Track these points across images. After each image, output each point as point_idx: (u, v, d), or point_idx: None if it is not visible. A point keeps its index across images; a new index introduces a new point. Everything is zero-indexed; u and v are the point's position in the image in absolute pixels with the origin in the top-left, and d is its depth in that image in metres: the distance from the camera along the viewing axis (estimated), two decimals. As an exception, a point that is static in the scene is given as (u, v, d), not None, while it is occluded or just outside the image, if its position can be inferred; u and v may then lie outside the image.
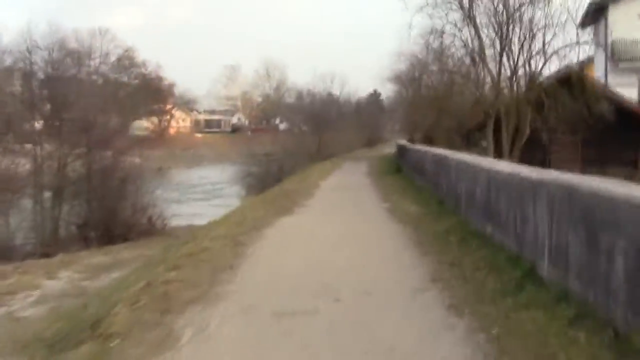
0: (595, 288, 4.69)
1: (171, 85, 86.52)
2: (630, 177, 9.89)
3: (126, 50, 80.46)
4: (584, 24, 25.17)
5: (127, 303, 5.92)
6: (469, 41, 21.70)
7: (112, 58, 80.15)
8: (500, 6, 20.90)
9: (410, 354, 4.56)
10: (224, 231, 10.03)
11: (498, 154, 20.48)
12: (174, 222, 28.51)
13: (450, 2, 21.27)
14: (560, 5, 20.45)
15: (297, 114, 61.37)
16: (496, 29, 21.25)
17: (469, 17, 21.17)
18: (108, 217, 25.85)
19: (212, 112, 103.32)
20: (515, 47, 21.24)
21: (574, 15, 20.81)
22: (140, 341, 4.87)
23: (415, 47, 26.48)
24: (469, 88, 23.10)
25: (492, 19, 21.20)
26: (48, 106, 28.29)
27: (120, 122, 36.59)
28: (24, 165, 25.56)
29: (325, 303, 5.83)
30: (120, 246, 22.39)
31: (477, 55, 21.75)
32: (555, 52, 20.80)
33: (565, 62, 21.46)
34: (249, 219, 11.64)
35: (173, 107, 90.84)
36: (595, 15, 27.21)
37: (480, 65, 21.83)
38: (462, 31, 21.72)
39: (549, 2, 20.56)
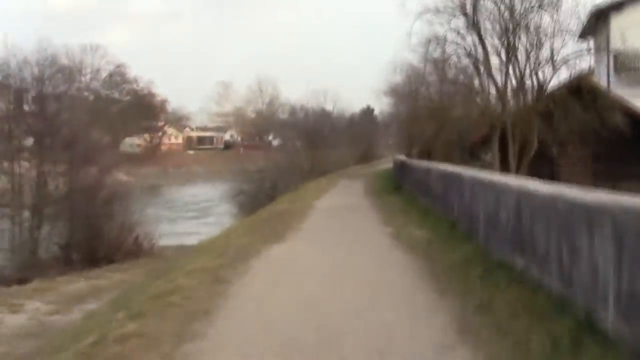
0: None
1: (163, 102, 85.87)
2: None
3: (118, 67, 79.73)
4: (584, 32, 24.01)
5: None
6: (473, 50, 20.43)
7: (104, 74, 79.40)
8: (506, 13, 19.61)
9: None
10: (203, 263, 8.53)
11: (504, 169, 19.19)
12: (165, 241, 27.54)
13: (452, 8, 20.01)
14: (570, 11, 19.26)
15: (290, 130, 60.37)
16: (501, 37, 19.98)
17: (473, 24, 19.89)
18: (92, 237, 24.77)
19: (205, 128, 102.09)
20: (522, 56, 19.96)
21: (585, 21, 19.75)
22: None
23: (413, 58, 25.19)
24: (473, 99, 21.78)
25: (497, 26, 19.93)
26: (29, 122, 26.94)
27: (105, 138, 35.36)
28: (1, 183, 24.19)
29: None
30: (104, 269, 21.26)
31: (482, 65, 20.47)
32: (566, 62, 19.56)
33: (574, 71, 20.33)
34: (234, 246, 10.14)
35: (165, 124, 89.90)
36: (597, 23, 26.06)
37: (485, 75, 20.53)
38: (465, 39, 20.46)
39: (558, 8, 19.32)
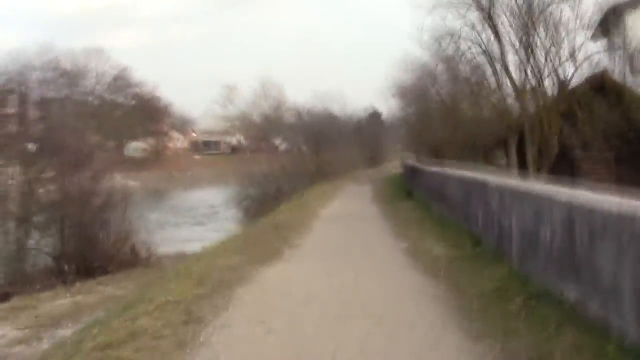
0: None
1: (168, 106, 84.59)
2: None
3: (122, 70, 78.85)
4: (597, 31, 22.60)
5: None
6: (488, 46, 19.06)
7: (108, 78, 78.44)
8: (525, 6, 18.23)
9: None
10: (178, 292, 6.97)
11: (521, 173, 17.82)
12: (166, 248, 26.19)
13: (467, 2, 18.66)
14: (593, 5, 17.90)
15: (296, 134, 59.29)
16: (519, 32, 18.59)
17: (489, 18, 18.50)
18: (85, 247, 23.30)
19: (210, 132, 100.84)
20: (541, 52, 18.56)
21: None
22: None
23: (424, 55, 23.85)
24: (488, 98, 20.37)
25: (515, 21, 18.54)
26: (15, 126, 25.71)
27: (109, 142, 34.24)
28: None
29: None
30: (96, 281, 19.87)
31: (498, 62, 19.09)
32: (588, 58, 18.19)
33: (595, 69, 18.96)
34: (218, 269, 8.51)
35: (170, 128, 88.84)
36: (611, 21, 24.63)
37: (501, 72, 19.15)
38: (480, 35, 19.09)
39: (579, 1, 17.96)
